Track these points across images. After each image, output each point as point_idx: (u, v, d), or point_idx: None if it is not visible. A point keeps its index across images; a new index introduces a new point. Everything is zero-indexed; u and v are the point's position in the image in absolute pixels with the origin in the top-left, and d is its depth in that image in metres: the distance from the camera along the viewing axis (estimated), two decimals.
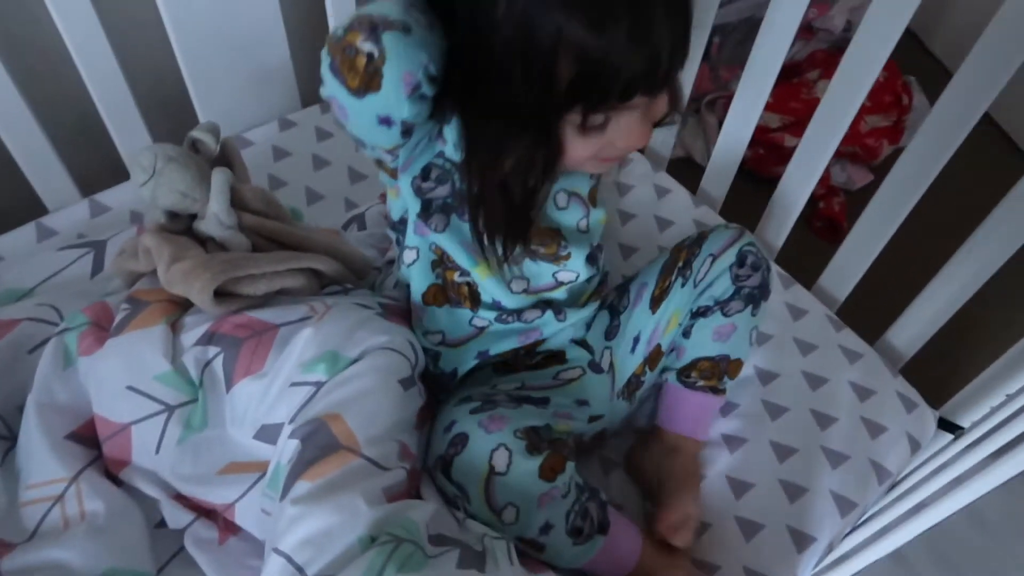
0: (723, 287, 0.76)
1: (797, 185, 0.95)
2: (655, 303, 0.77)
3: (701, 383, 0.77)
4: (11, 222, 0.87)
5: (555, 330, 0.75)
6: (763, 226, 1.01)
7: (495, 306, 0.72)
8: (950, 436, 0.86)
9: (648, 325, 0.77)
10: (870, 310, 0.96)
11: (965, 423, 0.86)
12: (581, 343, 0.78)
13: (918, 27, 1.68)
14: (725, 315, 0.76)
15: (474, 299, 0.72)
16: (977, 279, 0.81)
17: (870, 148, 1.37)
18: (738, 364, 0.78)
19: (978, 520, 0.71)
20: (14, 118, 0.81)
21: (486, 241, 0.64)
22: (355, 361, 0.62)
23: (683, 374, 0.77)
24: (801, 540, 0.76)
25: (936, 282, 0.85)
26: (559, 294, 0.74)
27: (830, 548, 0.77)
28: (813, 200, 1.38)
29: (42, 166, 0.86)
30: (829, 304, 0.96)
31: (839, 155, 1.40)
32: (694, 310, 0.77)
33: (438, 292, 0.72)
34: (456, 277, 0.71)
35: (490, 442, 0.62)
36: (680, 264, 0.77)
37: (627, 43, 0.52)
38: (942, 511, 0.51)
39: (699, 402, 0.77)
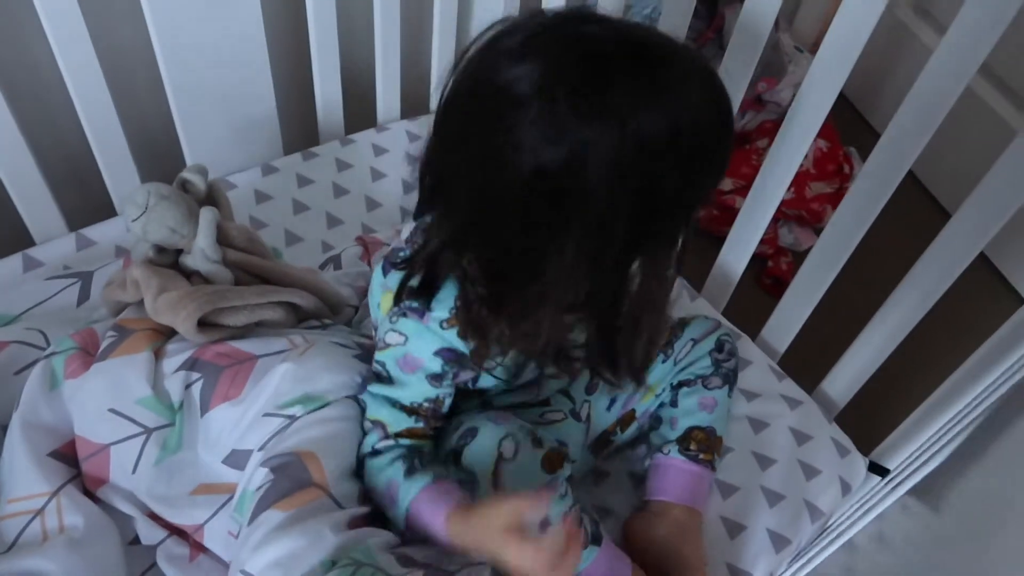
0: (703, 365, 0.84)
1: (742, 242, 1.03)
2: None
3: (702, 456, 0.80)
4: None
5: (552, 389, 0.81)
6: (712, 280, 1.09)
7: (499, 383, 0.76)
8: (879, 477, 0.93)
9: (626, 389, 0.84)
10: (810, 363, 1.03)
11: (892, 466, 0.92)
12: (564, 393, 0.84)
13: (859, 102, 1.81)
14: (707, 388, 0.83)
15: (481, 393, 0.76)
16: (900, 332, 0.88)
17: (815, 212, 1.47)
18: (721, 442, 0.83)
19: (878, 539, 0.78)
20: (13, 153, 0.86)
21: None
22: (330, 404, 0.67)
23: (683, 445, 0.81)
24: (738, 575, 0.81)
25: (863, 336, 0.93)
26: None
27: None
28: (763, 260, 1.47)
29: (34, 200, 0.91)
30: (772, 355, 1.03)
31: (787, 218, 1.50)
32: (674, 383, 0.84)
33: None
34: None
35: (499, 432, 0.66)
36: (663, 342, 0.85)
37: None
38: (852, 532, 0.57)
39: (700, 474, 0.80)
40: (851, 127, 1.68)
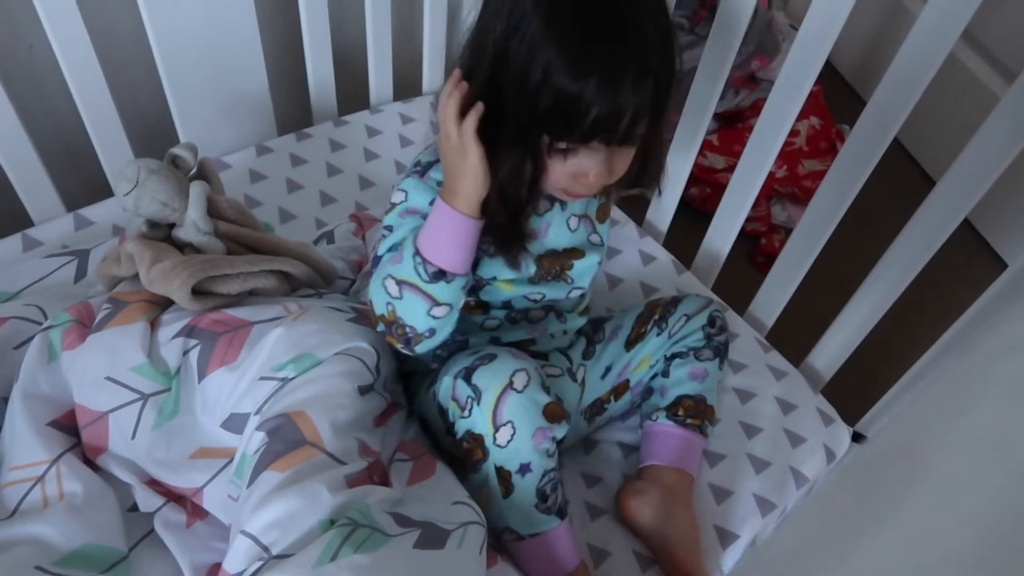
0: (695, 339, 0.87)
1: (729, 219, 1.04)
2: (630, 344, 0.87)
3: (689, 421, 0.84)
4: None
5: (556, 330, 0.83)
6: (700, 257, 1.10)
7: (505, 307, 0.79)
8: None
9: (621, 360, 0.87)
10: (798, 337, 1.04)
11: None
12: (563, 353, 0.86)
13: (853, 79, 1.81)
14: (698, 360, 0.86)
15: (484, 307, 0.79)
16: (885, 302, 0.90)
17: (807, 189, 1.47)
18: (712, 411, 0.86)
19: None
20: (10, 136, 0.88)
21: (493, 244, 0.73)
22: (321, 363, 0.69)
23: (671, 412, 0.84)
24: (725, 538, 0.83)
25: (849, 307, 0.94)
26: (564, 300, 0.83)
27: (752, 544, 0.84)
28: (755, 237, 1.48)
29: (32, 181, 0.93)
30: (759, 329, 1.05)
31: (780, 196, 1.51)
32: (668, 355, 0.87)
33: None
34: (466, 297, 0.77)
35: (516, 363, 0.69)
36: (656, 317, 0.88)
37: (594, 94, 0.61)
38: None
39: (688, 438, 0.83)
40: (845, 105, 1.68)
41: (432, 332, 0.70)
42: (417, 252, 0.67)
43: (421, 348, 0.71)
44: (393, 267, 0.68)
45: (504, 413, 0.67)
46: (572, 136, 0.65)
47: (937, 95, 0.80)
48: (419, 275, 0.67)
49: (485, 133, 0.65)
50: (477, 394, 0.68)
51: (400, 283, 0.68)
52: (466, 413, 0.69)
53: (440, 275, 0.67)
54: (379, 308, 0.70)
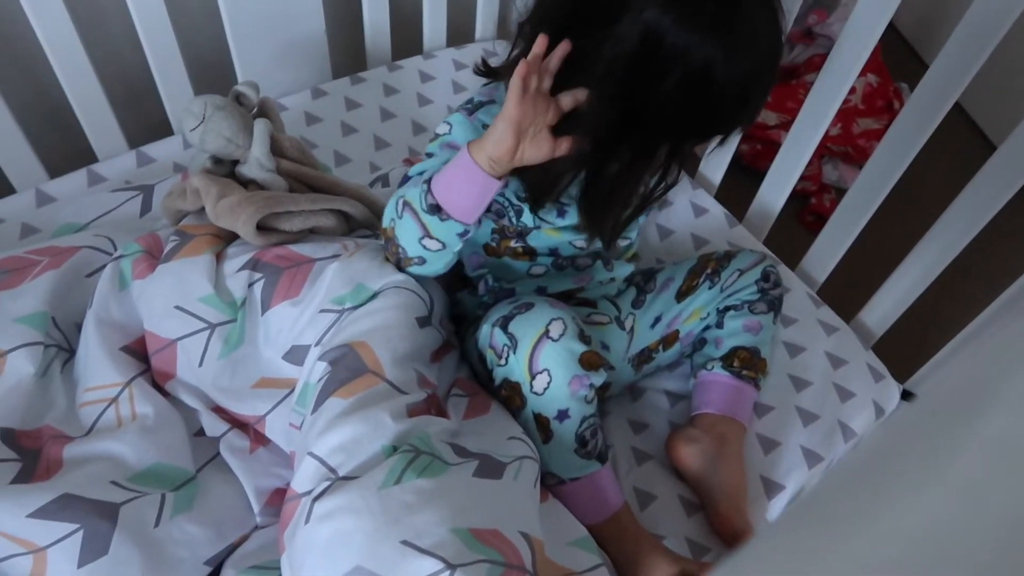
0: (749, 292, 0.87)
1: (783, 176, 1.03)
2: (681, 295, 0.88)
3: (745, 373, 0.84)
4: (64, 169, 0.95)
5: (603, 277, 0.84)
6: (752, 214, 1.09)
7: (552, 254, 0.80)
8: None
9: (671, 311, 0.87)
10: (848, 295, 1.04)
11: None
12: (611, 301, 0.87)
13: (913, 38, 1.76)
14: (753, 313, 0.86)
15: (531, 254, 0.80)
16: (940, 262, 0.89)
17: (861, 149, 1.44)
18: (765, 364, 0.86)
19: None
20: (79, 74, 0.90)
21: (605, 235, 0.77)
22: (377, 294, 0.70)
23: (727, 363, 0.84)
24: (771, 488, 0.83)
25: (903, 266, 0.93)
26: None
27: (798, 495, 0.85)
28: (805, 196, 1.46)
29: (97, 118, 0.95)
30: (811, 286, 1.04)
31: (832, 155, 1.48)
32: (721, 308, 0.87)
33: (493, 250, 0.80)
34: (512, 243, 0.79)
35: (553, 312, 0.70)
36: (709, 271, 0.88)
37: (751, 114, 0.69)
38: None
39: (742, 389, 0.84)
40: (904, 63, 1.64)
41: (422, 260, 0.71)
42: (427, 182, 0.68)
43: (412, 271, 0.73)
44: (407, 189, 0.70)
45: (540, 361, 0.68)
46: (728, 131, 0.71)
47: (1002, 56, 0.78)
48: (419, 202, 0.68)
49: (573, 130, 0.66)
50: (513, 342, 0.69)
51: (405, 204, 0.69)
52: (503, 361, 0.70)
53: (436, 209, 0.67)
54: (386, 222, 0.72)
